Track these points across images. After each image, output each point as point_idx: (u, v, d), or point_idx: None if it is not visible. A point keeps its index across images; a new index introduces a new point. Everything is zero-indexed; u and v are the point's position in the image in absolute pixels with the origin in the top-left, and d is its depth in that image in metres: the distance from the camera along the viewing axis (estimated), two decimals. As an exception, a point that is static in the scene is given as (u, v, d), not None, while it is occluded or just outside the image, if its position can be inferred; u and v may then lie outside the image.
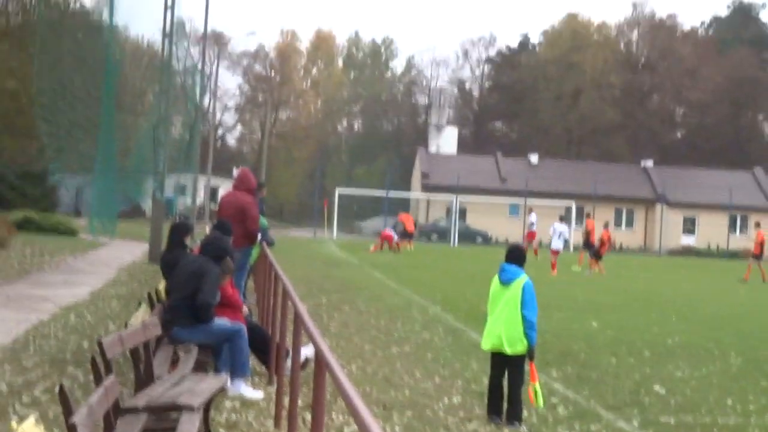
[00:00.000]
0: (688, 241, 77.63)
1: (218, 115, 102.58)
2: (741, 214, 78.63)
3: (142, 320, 10.28)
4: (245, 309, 12.71)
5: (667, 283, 35.37)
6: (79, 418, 5.58)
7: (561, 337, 17.73)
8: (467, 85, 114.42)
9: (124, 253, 32.20)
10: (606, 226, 41.87)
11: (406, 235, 52.21)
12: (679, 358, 16.21)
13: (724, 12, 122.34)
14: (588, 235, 41.71)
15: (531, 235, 49.61)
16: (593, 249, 40.00)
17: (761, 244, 40.73)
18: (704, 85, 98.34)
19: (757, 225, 43.79)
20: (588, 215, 52.31)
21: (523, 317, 10.63)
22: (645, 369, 14.92)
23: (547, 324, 18.85)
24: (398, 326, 18.56)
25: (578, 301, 25.29)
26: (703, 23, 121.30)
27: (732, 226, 76.91)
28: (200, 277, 10.79)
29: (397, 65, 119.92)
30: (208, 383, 8.80)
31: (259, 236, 16.81)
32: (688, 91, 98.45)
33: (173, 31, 32.24)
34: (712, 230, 76.13)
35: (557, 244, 39.91)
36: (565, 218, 44.11)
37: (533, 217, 51.45)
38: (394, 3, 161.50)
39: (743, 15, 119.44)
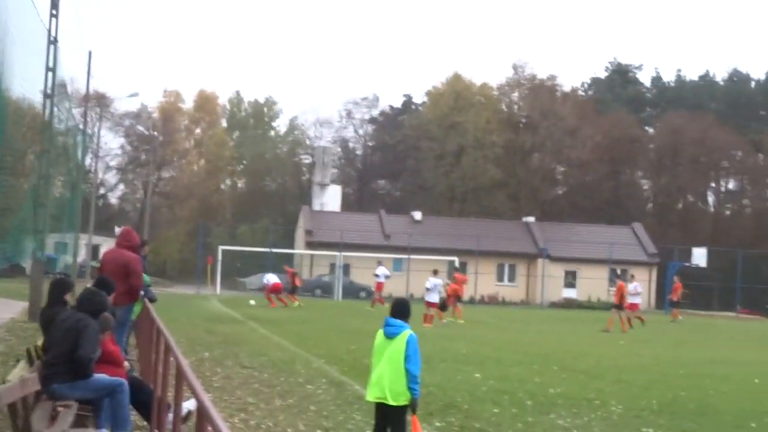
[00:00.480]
0: (569, 294, 78.82)
1: (100, 174, 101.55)
2: (620, 267, 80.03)
3: (21, 376, 10.11)
4: (127, 364, 12.56)
5: (549, 335, 35.77)
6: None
7: (445, 389, 17.82)
8: (351, 145, 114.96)
9: (2, 311, 31.56)
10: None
11: (293, 289, 52.45)
12: (560, 407, 16.40)
13: (602, 73, 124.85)
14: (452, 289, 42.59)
15: (379, 286, 52.95)
16: (446, 300, 40.69)
17: (621, 295, 41.69)
18: (584, 143, 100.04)
19: (618, 276, 44.92)
20: (456, 270, 53.35)
21: (407, 371, 10.65)
22: (527, 418, 15.07)
23: (430, 376, 18.95)
24: (282, 380, 18.50)
25: (461, 353, 25.44)
26: (583, 84, 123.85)
27: (612, 279, 78.17)
28: (78, 333, 10.64)
29: (281, 125, 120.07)
30: (88, 438, 8.67)
31: (142, 293, 16.68)
32: (569, 149, 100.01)
33: (54, 91, 31.88)
34: (592, 283, 77.28)
35: (432, 298, 40.23)
36: (438, 272, 44.60)
37: (380, 270, 53.87)
38: (276, 64, 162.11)
39: (621, 76, 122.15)
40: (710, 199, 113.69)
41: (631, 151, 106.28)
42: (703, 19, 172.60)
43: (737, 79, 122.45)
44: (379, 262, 57.29)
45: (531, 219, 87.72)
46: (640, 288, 43.16)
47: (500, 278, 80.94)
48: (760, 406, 17.53)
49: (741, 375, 22.99)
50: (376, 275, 54.21)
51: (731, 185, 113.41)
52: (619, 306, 41.65)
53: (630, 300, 42.78)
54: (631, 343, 33.69)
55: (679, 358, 27.19)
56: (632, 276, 47.80)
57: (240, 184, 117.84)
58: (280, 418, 14.00)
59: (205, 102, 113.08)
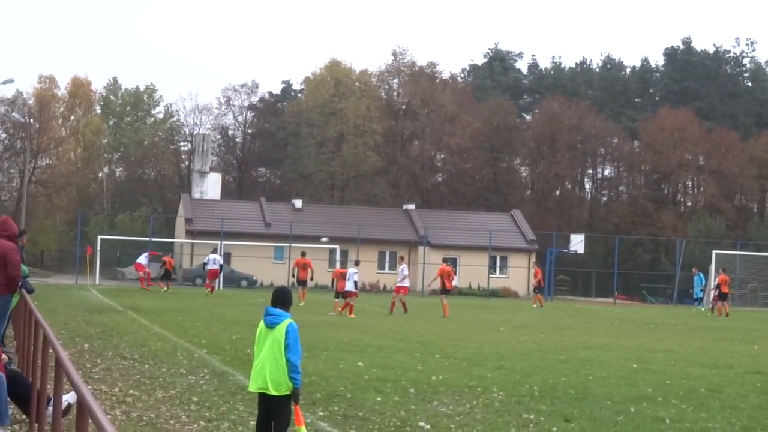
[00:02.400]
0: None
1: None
2: (500, 254, 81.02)
3: None
4: (4, 357, 12.29)
5: (430, 322, 35.96)
6: None
7: (327, 378, 17.79)
8: (230, 132, 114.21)
9: None
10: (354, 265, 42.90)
11: (166, 275, 53.02)
12: (443, 394, 16.48)
13: (481, 60, 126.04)
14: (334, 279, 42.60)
15: (212, 274, 53.12)
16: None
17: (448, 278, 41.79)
18: (463, 130, 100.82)
19: (445, 260, 44.66)
20: (357, 263, 53.03)
21: (287, 360, 10.57)
22: (410, 406, 15.12)
23: (313, 365, 18.93)
24: (163, 371, 18.30)
25: (344, 341, 25.43)
26: (462, 71, 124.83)
27: (492, 266, 79.09)
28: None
29: (160, 112, 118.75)
30: (-36, 432, 8.48)
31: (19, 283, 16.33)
32: (448, 136, 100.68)
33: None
34: (472, 270, 77.97)
35: (350, 286, 40.19)
36: (359, 262, 44.69)
37: (212, 257, 53.91)
38: (154, 50, 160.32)
39: (500, 63, 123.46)
40: (587, 185, 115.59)
41: (510, 138, 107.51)
42: (579, 6, 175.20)
43: (611, 66, 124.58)
44: (214, 250, 57.11)
45: (411, 206, 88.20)
46: (406, 271, 42.79)
47: (381, 266, 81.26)
48: (637, 391, 17.83)
49: (619, 360, 23.37)
50: (205, 263, 54.35)
51: (607, 172, 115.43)
52: (446, 291, 41.83)
53: (399, 283, 42.57)
54: (512, 329, 34.05)
55: (560, 344, 27.54)
56: (401, 258, 48.02)
57: (118, 172, 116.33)
58: (162, 410, 13.85)
59: (79, 88, 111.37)
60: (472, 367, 20.67)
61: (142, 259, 56.80)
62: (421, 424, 13.62)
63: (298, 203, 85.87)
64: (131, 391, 15.40)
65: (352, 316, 37.75)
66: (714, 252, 68.43)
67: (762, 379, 20.52)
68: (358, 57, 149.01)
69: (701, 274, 59.60)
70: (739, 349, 28.46)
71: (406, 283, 43.06)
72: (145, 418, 13.18)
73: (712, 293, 55.70)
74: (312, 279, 47.09)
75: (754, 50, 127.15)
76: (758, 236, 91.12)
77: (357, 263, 43.69)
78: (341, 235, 77.34)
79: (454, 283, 46.77)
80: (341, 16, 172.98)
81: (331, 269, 71.14)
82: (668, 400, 16.76)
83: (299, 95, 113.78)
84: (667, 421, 14.66)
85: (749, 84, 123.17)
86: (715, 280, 56.72)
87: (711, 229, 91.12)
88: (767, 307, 68.69)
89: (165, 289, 53.41)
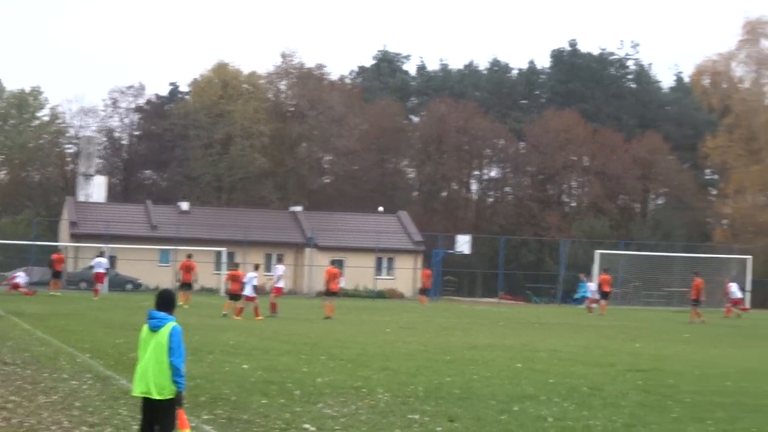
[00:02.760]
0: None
1: None
2: (387, 256, 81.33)
3: None
4: None
5: (316, 324, 35.96)
6: None
7: (212, 381, 17.70)
8: (116, 134, 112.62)
9: None
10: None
11: (55, 274, 52.30)
12: (328, 396, 16.50)
13: (369, 62, 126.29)
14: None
15: (98, 277, 52.64)
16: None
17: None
18: (351, 132, 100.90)
19: (332, 263, 45.12)
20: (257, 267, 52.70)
21: (171, 364, 10.48)
22: (295, 408, 15.11)
23: (198, 368, 18.82)
24: (45, 376, 18.04)
25: (230, 344, 25.32)
26: (350, 72, 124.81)
27: (378, 267, 79.39)
28: None
29: (45, 115, 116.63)
30: None
31: None
32: (336, 138, 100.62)
33: None
34: (359, 272, 78.09)
35: (249, 291, 39.97)
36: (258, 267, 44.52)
37: (97, 261, 53.65)
38: (40, 52, 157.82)
39: (388, 64, 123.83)
40: (473, 186, 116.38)
41: (397, 139, 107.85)
42: (467, 9, 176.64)
43: (498, 68, 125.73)
44: (101, 253, 56.61)
45: (298, 208, 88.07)
46: (280, 271, 42.86)
47: (268, 269, 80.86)
48: (521, 390, 18.05)
49: (504, 360, 23.63)
50: (92, 266, 53.76)
51: (493, 173, 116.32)
52: (331, 293, 42.04)
53: (275, 284, 42.56)
54: (398, 330, 34.19)
55: (445, 345, 27.74)
56: (279, 259, 48.31)
57: (1, 175, 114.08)
58: (43, 416, 13.66)
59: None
60: (357, 369, 20.73)
61: (20, 279, 55.41)
62: (306, 426, 13.62)
63: (184, 206, 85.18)
64: (12, 397, 15.15)
65: (259, 318, 37.79)
66: (597, 252, 69.45)
67: (643, 376, 20.91)
68: (247, 59, 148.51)
69: (586, 282, 60.56)
70: (621, 348, 28.98)
71: (281, 284, 42.98)
72: (26, 424, 13.00)
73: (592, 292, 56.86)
74: (196, 281, 46.78)
75: (637, 52, 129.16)
76: (640, 236, 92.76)
77: (257, 267, 43.47)
78: (228, 237, 76.94)
79: (341, 284, 46.82)
80: (229, 18, 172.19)
81: (217, 272, 70.99)
82: (551, 399, 16.99)
83: (186, 97, 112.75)
84: (550, 419, 14.86)
85: (633, 86, 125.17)
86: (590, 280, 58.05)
87: (595, 229, 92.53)
88: (649, 306, 69.93)
89: (53, 292, 52.03)
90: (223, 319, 37.44)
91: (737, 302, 56.25)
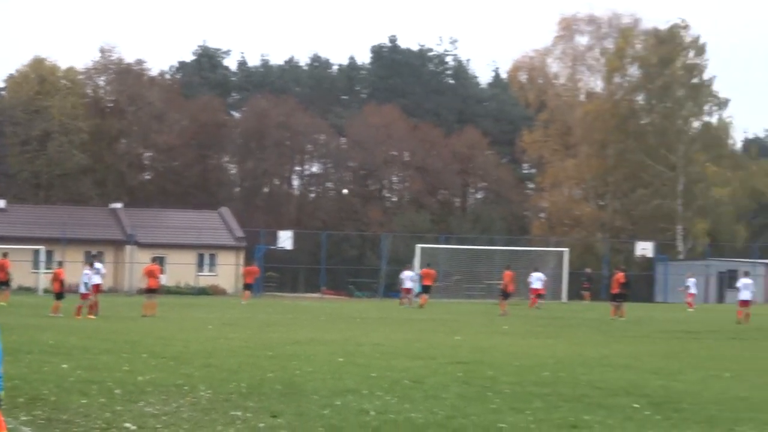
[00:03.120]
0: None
1: None
2: (209, 252, 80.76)
3: None
4: None
5: (138, 322, 35.54)
6: None
7: (30, 381, 17.34)
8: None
9: None
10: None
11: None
12: (150, 394, 16.34)
13: (189, 57, 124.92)
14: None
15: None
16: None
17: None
18: (171, 128, 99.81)
19: (153, 260, 44.71)
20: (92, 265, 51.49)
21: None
22: (116, 407, 14.92)
23: (16, 368, 18.40)
24: None
25: (49, 344, 24.84)
26: (170, 68, 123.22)
27: (200, 264, 78.83)
28: None
29: None
30: None
31: None
32: (156, 134, 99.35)
33: None
34: (181, 269, 77.29)
35: (83, 288, 39.18)
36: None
37: None
38: None
39: (208, 60, 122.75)
40: (295, 182, 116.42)
41: (219, 135, 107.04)
42: (287, 4, 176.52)
43: (319, 64, 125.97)
44: None
45: (118, 205, 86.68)
46: (96, 269, 42.31)
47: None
48: (343, 384, 18.16)
49: (326, 354, 23.72)
50: None
51: (315, 168, 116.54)
52: (152, 290, 41.66)
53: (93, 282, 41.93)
54: (221, 327, 34.03)
55: (267, 340, 27.74)
56: (95, 257, 47.98)
57: None
58: None
59: None
60: (179, 366, 20.57)
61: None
62: (127, 425, 13.47)
63: (1, 203, 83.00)
64: None
65: (92, 317, 37.17)
66: (418, 246, 70.23)
67: (463, 368, 21.25)
68: (65, 54, 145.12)
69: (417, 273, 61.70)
70: (442, 340, 29.40)
71: (99, 280, 42.27)
72: None
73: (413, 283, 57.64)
74: (12, 280, 45.75)
75: (456, 48, 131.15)
76: (460, 230, 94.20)
77: (92, 265, 42.56)
78: (47, 235, 75.30)
79: (163, 281, 46.32)
80: (46, 12, 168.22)
81: (35, 271, 69.45)
82: (373, 393, 17.14)
83: (2, 93, 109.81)
84: (372, 413, 14.98)
85: (452, 81, 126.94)
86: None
87: (415, 224, 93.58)
88: (470, 299, 71.02)
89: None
90: (46, 318, 36.76)
91: (537, 292, 57.58)
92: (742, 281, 44.30)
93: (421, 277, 57.02)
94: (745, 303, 42.93)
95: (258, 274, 61.46)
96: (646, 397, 17.33)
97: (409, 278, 58.22)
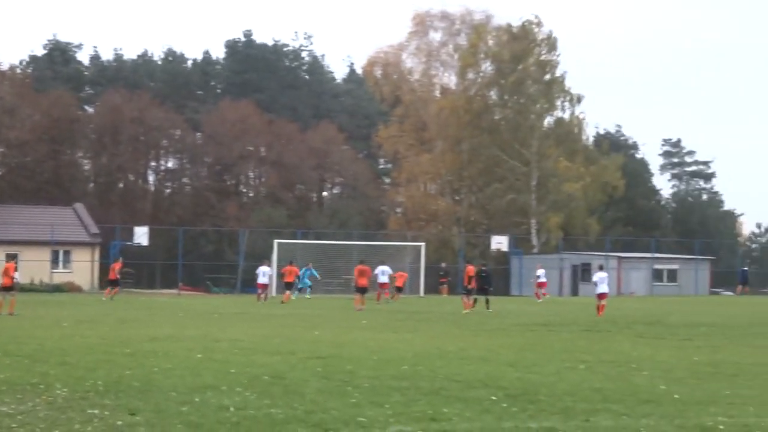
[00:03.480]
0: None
1: None
2: (63, 249, 79.32)
3: None
4: None
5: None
6: None
7: None
8: None
9: None
10: None
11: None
12: (4, 393, 16.04)
13: (41, 51, 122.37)
14: None
15: None
16: None
17: None
18: (23, 123, 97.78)
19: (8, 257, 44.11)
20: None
21: None
22: (-31, 408, 14.62)
23: None
24: None
25: None
26: (21, 62, 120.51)
27: (55, 261, 77.39)
28: None
29: None
30: None
31: None
32: (7, 129, 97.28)
33: None
34: (35, 266, 75.70)
35: None
36: None
37: None
38: None
39: (60, 54, 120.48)
40: (151, 177, 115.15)
41: (72, 130, 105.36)
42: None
43: (174, 59, 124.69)
44: None
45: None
46: None
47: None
48: (202, 381, 18.05)
49: (184, 351, 23.55)
50: None
51: (171, 164, 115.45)
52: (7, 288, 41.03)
53: None
54: (76, 324, 33.50)
55: (124, 337, 27.40)
56: None
57: None
58: None
59: None
60: (34, 364, 20.23)
61: None
62: (-19, 426, 13.20)
63: None
64: None
65: None
66: (276, 241, 70.13)
67: (322, 363, 21.29)
68: None
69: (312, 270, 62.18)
70: (301, 335, 29.42)
71: None
72: None
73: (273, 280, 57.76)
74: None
75: (311, 44, 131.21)
76: (317, 224, 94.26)
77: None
78: None
79: (16, 278, 45.33)
80: None
81: None
82: (233, 389, 17.08)
83: None
84: (232, 409, 14.93)
85: (307, 77, 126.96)
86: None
87: (273, 219, 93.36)
88: (329, 294, 71.08)
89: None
90: None
91: (383, 285, 58.34)
92: (599, 275, 45.25)
93: (283, 273, 57.19)
94: (602, 296, 43.91)
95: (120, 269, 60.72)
96: (503, 389, 17.60)
97: (264, 273, 58.10)
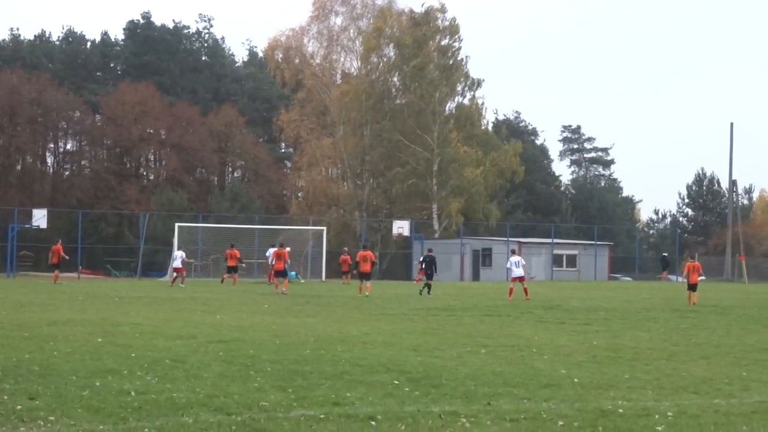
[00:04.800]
0: None
1: None
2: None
3: None
4: None
5: None
6: None
7: None
8: None
9: None
10: None
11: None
12: None
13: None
14: None
15: None
16: None
17: None
18: None
19: None
20: None
21: None
22: None
23: None
24: None
25: None
26: None
27: None
28: None
29: None
30: None
31: None
32: None
33: None
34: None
35: None
36: None
37: None
38: None
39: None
40: (49, 159, 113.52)
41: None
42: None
43: (73, 39, 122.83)
44: None
45: None
46: None
47: None
48: (103, 365, 17.89)
49: (84, 335, 23.30)
50: None
51: (69, 146, 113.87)
52: None
53: None
54: (-28, 308, 32.92)
55: (23, 321, 27.01)
56: None
57: None
58: None
59: None
60: None
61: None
62: None
63: None
64: None
65: None
66: (177, 225, 69.64)
67: (224, 347, 21.22)
68: None
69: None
70: (202, 319, 29.27)
71: None
72: None
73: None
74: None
75: (212, 26, 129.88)
76: (218, 208, 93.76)
77: None
78: None
79: None
80: None
81: None
82: (134, 373, 16.96)
83: None
84: (133, 393, 14.82)
85: (208, 60, 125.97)
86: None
87: (173, 202, 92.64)
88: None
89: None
90: None
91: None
92: (513, 259, 45.77)
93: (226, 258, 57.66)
94: (519, 279, 44.45)
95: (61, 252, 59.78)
96: (406, 373, 17.69)
97: (177, 257, 57.67)
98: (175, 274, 57.14)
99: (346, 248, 69.36)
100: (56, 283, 55.25)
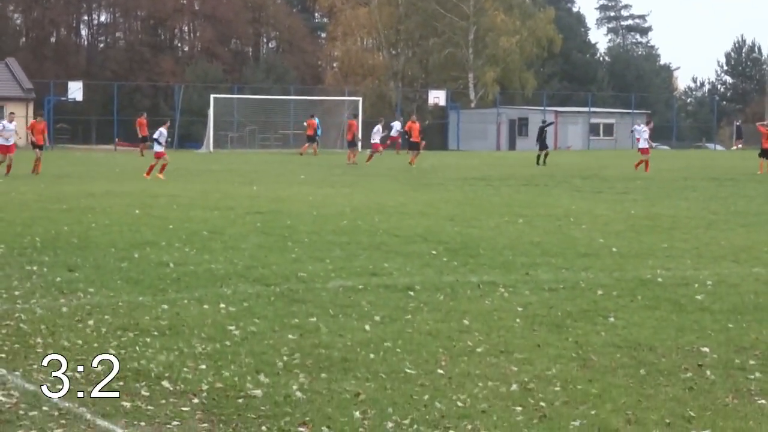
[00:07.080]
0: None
1: None
2: (-4, 105, 78.10)
3: None
4: None
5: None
6: None
7: None
8: None
9: None
10: None
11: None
12: (-61, 252, 15.88)
13: None
14: None
15: None
16: None
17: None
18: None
19: None
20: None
21: None
22: None
23: None
24: None
25: None
26: None
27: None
28: None
29: None
30: None
31: None
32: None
33: None
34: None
35: None
36: None
37: None
38: None
39: None
40: (83, 32, 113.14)
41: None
42: None
43: None
44: None
45: None
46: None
47: None
48: (141, 237, 17.97)
49: (122, 207, 23.34)
50: None
51: (103, 18, 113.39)
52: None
53: None
54: (10, 180, 33.05)
55: (61, 193, 27.10)
56: None
57: None
58: None
59: None
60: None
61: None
62: None
63: None
64: None
65: None
66: (212, 96, 69.44)
67: (261, 218, 21.23)
68: None
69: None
70: (239, 191, 29.28)
71: None
72: None
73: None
74: None
75: None
76: (253, 79, 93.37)
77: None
78: None
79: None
80: None
81: None
82: (172, 244, 17.03)
83: None
84: (171, 264, 14.89)
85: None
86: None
87: (208, 74, 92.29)
88: (265, 149, 70.83)
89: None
90: None
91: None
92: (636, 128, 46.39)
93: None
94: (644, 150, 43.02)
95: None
96: (443, 243, 17.68)
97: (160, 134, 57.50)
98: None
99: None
100: (143, 155, 55.06)
